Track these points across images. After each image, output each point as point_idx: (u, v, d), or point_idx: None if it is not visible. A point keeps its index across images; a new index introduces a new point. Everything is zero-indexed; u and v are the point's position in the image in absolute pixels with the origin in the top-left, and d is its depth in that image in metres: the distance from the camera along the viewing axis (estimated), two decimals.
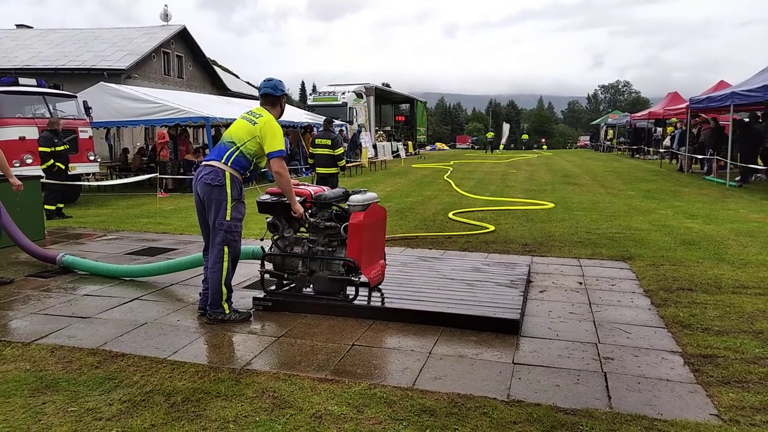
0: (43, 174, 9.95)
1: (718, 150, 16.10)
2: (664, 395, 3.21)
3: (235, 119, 4.71)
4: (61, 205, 10.38)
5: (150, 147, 16.02)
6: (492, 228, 8.60)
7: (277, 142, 4.40)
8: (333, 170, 9.76)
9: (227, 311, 4.43)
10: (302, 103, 51.46)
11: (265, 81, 4.69)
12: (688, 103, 18.91)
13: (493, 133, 51.71)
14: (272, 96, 4.59)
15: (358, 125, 28.16)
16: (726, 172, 14.80)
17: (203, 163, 4.49)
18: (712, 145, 16.56)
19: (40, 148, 10.37)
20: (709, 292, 5.18)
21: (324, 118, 12.12)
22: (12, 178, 6.20)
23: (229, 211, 4.35)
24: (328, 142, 9.71)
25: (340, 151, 9.72)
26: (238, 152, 4.37)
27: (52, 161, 10.29)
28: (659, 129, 27.38)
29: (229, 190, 4.33)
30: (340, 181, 9.94)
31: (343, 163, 9.88)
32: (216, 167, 4.34)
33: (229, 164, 4.35)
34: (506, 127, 58.37)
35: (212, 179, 4.32)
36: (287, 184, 4.46)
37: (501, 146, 58.33)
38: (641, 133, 31.03)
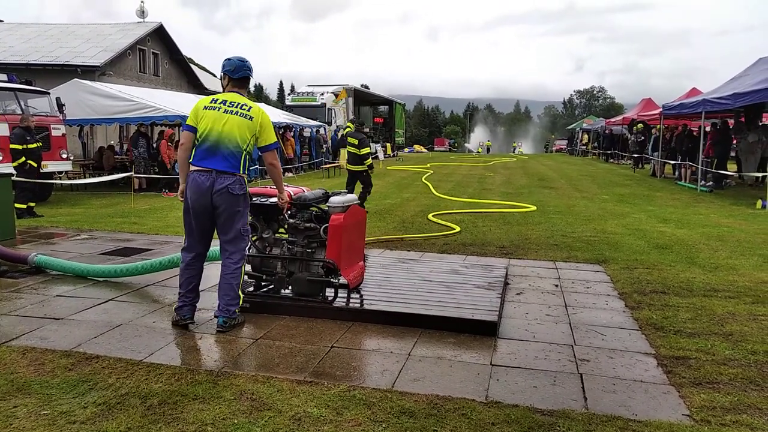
0: (14, 172, 9.71)
1: (690, 156, 16.45)
2: (639, 396, 3.27)
3: None
4: (32, 204, 10.15)
5: (155, 145, 15.73)
6: (458, 229, 8.70)
7: (272, 134, 4.35)
8: (359, 168, 10.53)
9: (238, 315, 4.37)
10: (280, 103, 51.15)
11: (239, 62, 4.32)
12: (661, 110, 19.29)
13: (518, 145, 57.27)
14: (250, 78, 4.41)
15: (337, 126, 28.10)
16: (698, 177, 15.13)
17: (217, 171, 4.11)
18: (683, 151, 16.91)
19: (12, 145, 10.13)
20: (681, 295, 5.30)
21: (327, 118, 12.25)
22: None
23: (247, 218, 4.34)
24: (356, 141, 10.47)
25: (365, 151, 10.49)
26: (247, 156, 4.23)
27: (23, 159, 10.06)
28: (632, 137, 27.73)
29: (248, 197, 4.31)
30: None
31: (369, 162, 10.57)
32: (238, 176, 4.18)
33: (246, 172, 4.26)
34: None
35: (239, 189, 4.16)
36: (280, 175, 4.46)
37: (479, 149, 58.99)
38: (615, 138, 31.52)
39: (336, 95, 29.40)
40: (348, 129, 11.93)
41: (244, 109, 4.20)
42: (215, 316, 4.29)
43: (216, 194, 4.10)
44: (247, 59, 4.37)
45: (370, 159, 10.62)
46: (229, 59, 4.35)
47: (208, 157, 4.14)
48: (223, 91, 4.35)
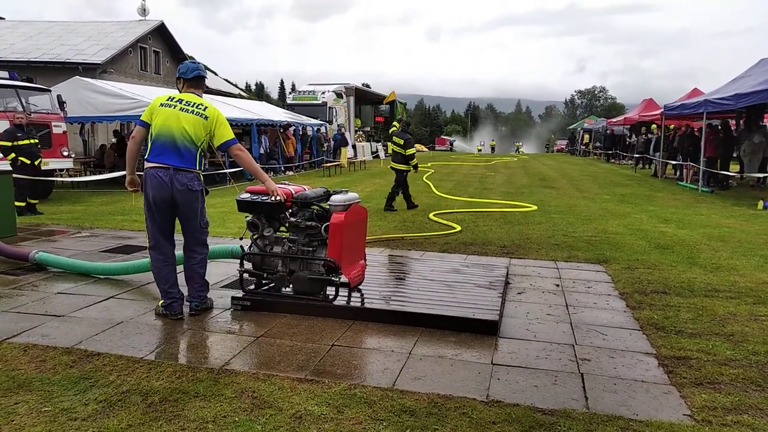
0: (11, 169, 9.69)
1: (692, 156, 16.42)
2: (640, 396, 3.27)
3: None
4: (34, 201, 10.15)
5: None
6: (459, 228, 8.70)
7: (228, 131, 4.44)
8: (402, 167, 10.82)
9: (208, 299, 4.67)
10: (281, 102, 51.15)
11: (191, 63, 4.52)
12: (662, 110, 19.27)
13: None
14: (204, 78, 4.54)
15: (338, 125, 28.10)
16: (699, 178, 15.11)
17: (174, 167, 4.22)
18: (685, 151, 16.88)
19: (1, 142, 10.08)
20: (682, 295, 5.29)
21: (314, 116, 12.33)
22: None
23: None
24: (401, 141, 10.77)
25: (411, 151, 10.77)
26: (201, 152, 4.38)
27: (13, 155, 10.01)
28: (634, 137, 27.65)
29: (204, 192, 4.44)
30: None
31: (414, 162, 10.86)
32: (195, 172, 4.34)
33: (201, 168, 4.39)
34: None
35: (197, 185, 4.34)
36: (250, 161, 4.55)
37: (479, 147, 59.12)
38: (617, 138, 31.51)
39: (337, 94, 29.36)
40: (394, 129, 12.15)
41: (200, 108, 4.34)
42: (187, 302, 4.54)
43: (176, 191, 4.25)
44: (198, 62, 4.55)
45: (415, 159, 10.89)
46: (182, 64, 4.54)
47: (164, 154, 4.27)
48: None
